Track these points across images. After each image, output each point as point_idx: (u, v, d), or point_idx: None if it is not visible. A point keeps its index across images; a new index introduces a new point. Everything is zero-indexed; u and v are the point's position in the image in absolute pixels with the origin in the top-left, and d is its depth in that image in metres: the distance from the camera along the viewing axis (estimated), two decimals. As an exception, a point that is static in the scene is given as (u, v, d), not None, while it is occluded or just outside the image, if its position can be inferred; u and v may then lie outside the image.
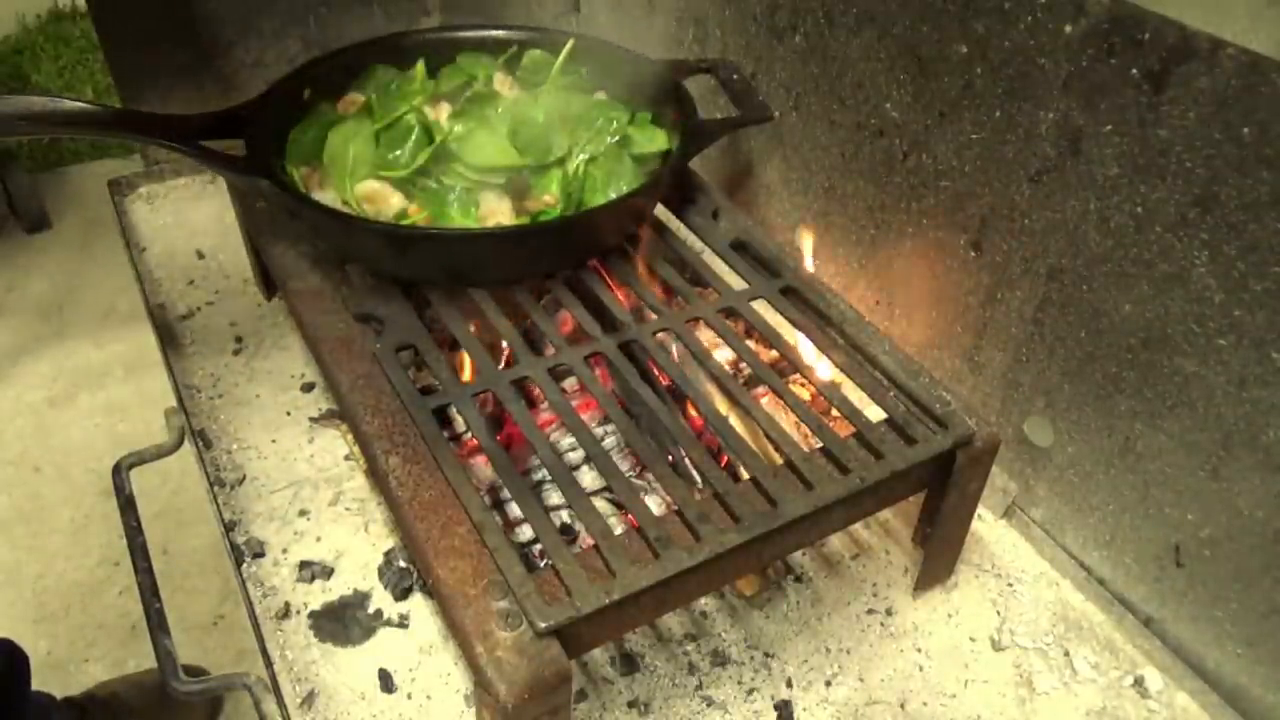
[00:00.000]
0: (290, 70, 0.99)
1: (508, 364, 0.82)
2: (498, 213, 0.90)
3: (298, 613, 0.83)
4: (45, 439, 2.00)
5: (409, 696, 0.78)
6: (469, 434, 0.85)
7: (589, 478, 0.86)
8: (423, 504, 0.70)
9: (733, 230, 0.96)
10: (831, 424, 0.78)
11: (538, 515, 0.69)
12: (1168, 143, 0.70)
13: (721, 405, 0.84)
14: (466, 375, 0.86)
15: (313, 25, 1.35)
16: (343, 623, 0.83)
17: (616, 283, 0.92)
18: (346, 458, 0.97)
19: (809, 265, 1.07)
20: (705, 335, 0.95)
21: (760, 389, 0.93)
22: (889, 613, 0.86)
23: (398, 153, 0.92)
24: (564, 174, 0.92)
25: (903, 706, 0.80)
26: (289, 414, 1.01)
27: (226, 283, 1.17)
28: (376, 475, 0.78)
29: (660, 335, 0.86)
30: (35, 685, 1.29)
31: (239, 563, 0.87)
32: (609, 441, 0.87)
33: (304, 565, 0.87)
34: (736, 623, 0.85)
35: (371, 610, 0.84)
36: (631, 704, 0.79)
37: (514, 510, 0.83)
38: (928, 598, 0.88)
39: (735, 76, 1.06)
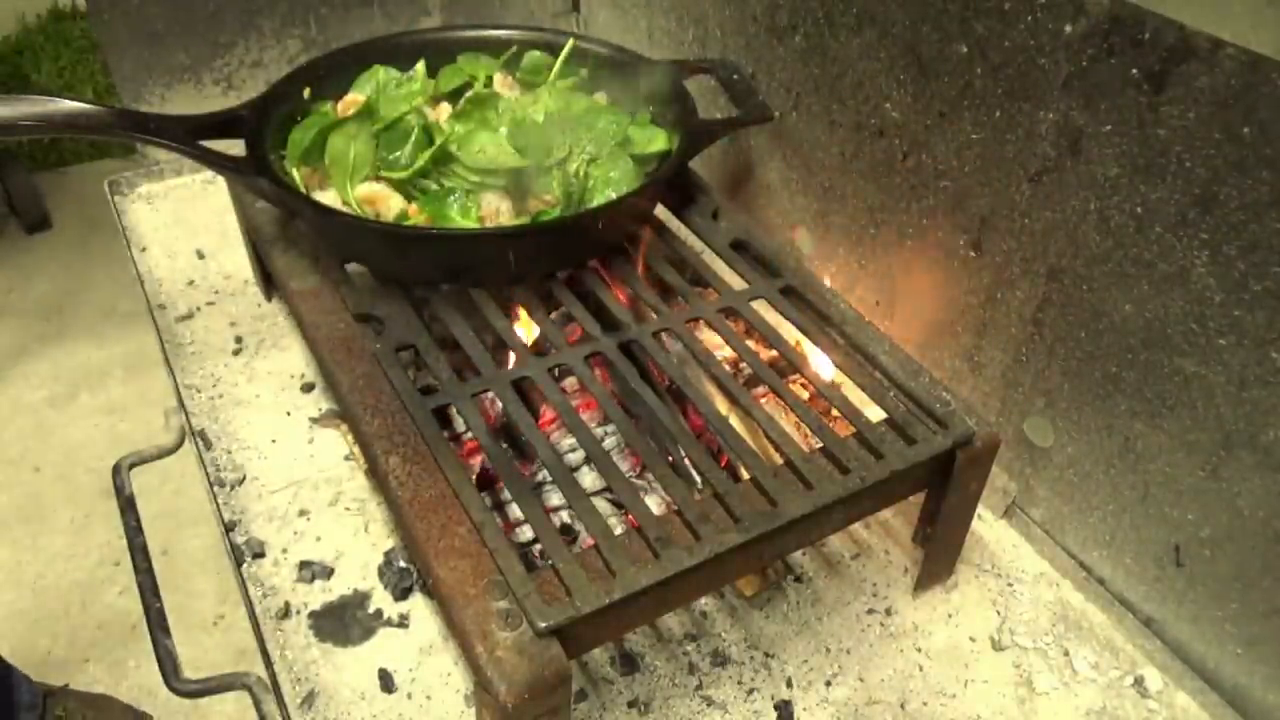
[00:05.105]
0: (290, 70, 0.99)
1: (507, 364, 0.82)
2: (498, 213, 0.90)
3: (298, 613, 0.83)
4: (45, 439, 2.00)
5: (409, 696, 0.78)
6: (469, 434, 0.85)
7: (589, 478, 0.86)
8: (423, 504, 0.70)
9: (733, 230, 0.96)
10: (831, 424, 0.78)
11: (538, 515, 0.69)
12: (1168, 143, 0.70)
13: (721, 405, 0.84)
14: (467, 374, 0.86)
15: (313, 25, 1.35)
16: (343, 623, 0.83)
17: (616, 283, 0.92)
18: (346, 458, 0.97)
19: (809, 265, 1.07)
20: (705, 335, 0.95)
21: (760, 389, 0.94)
22: (889, 613, 0.86)
23: (398, 154, 0.92)
24: (564, 174, 0.92)
25: (903, 706, 0.80)
26: (289, 414, 1.01)
27: (226, 283, 1.17)
28: (376, 475, 0.78)
29: (660, 335, 0.86)
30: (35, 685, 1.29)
31: (239, 563, 0.87)
32: (609, 442, 0.87)
33: (304, 565, 0.87)
34: (736, 623, 0.85)
35: (371, 610, 0.84)
36: (631, 704, 0.79)
37: (514, 510, 0.83)
38: (928, 598, 0.88)
39: (735, 76, 1.06)
